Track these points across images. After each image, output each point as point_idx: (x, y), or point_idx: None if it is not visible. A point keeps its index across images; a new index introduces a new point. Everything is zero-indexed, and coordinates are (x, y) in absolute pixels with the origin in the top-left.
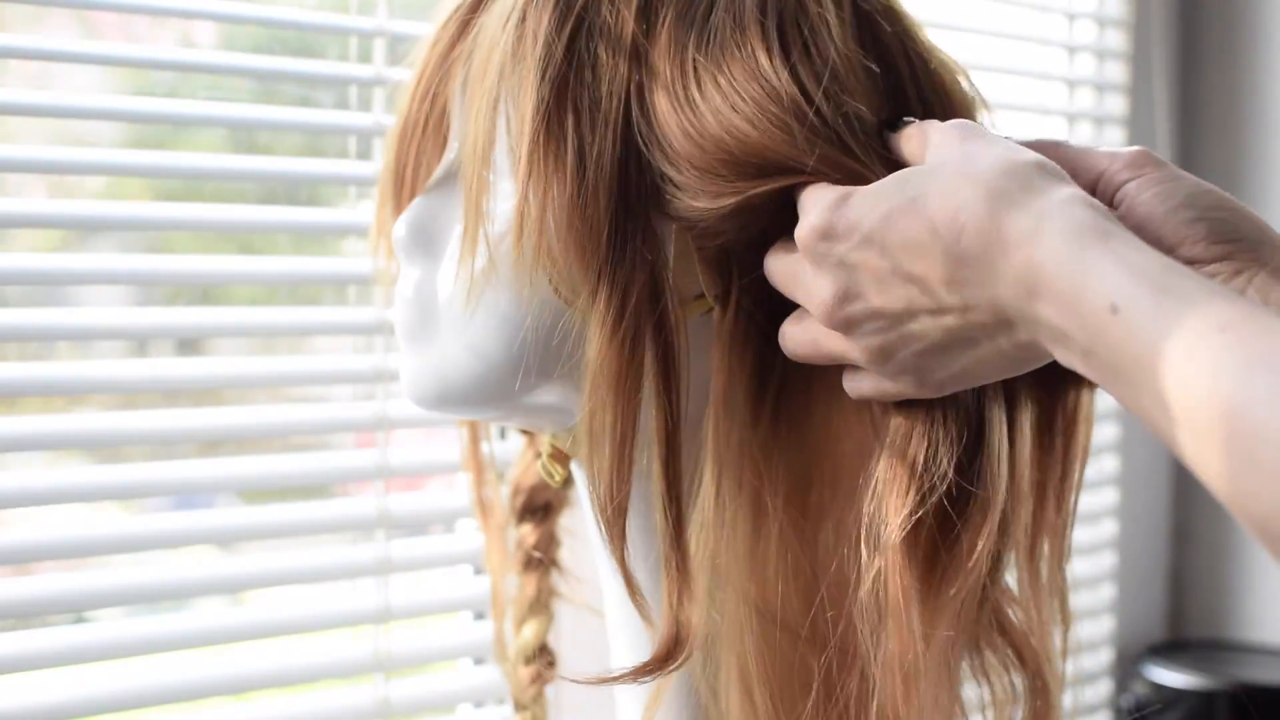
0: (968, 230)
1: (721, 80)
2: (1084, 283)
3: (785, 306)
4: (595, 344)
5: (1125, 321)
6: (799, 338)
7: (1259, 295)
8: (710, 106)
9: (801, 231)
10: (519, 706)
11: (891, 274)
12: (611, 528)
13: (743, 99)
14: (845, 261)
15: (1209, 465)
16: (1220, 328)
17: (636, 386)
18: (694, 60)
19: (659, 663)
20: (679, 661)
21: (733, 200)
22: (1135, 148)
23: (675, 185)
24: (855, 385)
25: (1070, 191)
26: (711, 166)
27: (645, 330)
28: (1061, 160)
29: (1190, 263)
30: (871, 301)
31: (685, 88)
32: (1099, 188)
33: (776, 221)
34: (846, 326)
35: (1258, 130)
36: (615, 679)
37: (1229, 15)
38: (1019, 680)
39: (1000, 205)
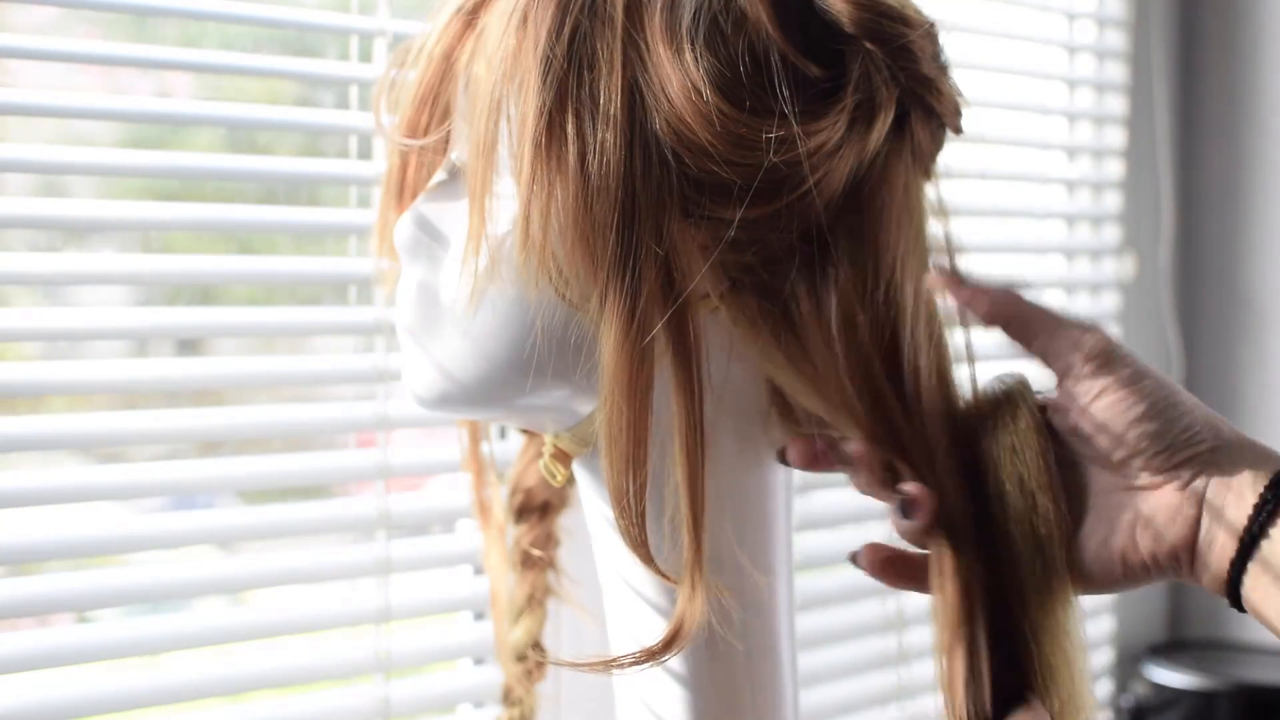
0: None
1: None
2: None
3: (787, 302)
4: (608, 346)
5: None
6: None
7: (1213, 500)
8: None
9: None
10: (511, 702)
11: None
12: (630, 525)
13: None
14: None
15: None
16: None
17: (649, 387)
18: (687, 50)
19: (665, 647)
20: (675, 651)
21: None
22: (1097, 337)
23: (695, 178)
24: None
25: None
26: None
27: (658, 330)
28: (1041, 330)
29: (1145, 470)
30: None
31: (685, 77)
32: (1065, 383)
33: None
34: None
35: (1258, 130)
36: (661, 659)
37: (1229, 15)
38: None
39: None
